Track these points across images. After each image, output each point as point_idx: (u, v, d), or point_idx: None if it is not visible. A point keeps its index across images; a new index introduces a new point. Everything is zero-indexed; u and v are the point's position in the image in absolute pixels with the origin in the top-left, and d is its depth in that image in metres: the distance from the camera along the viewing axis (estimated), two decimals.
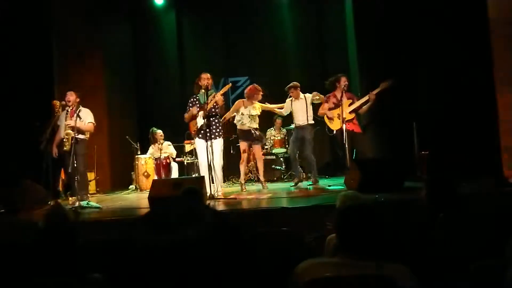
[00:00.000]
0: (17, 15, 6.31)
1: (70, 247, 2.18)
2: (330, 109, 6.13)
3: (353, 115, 5.98)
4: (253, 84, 6.22)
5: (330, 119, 6.13)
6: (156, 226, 2.11)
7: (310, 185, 6.40)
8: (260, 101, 6.34)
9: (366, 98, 5.90)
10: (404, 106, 6.26)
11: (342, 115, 5.84)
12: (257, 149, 6.46)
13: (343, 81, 6.04)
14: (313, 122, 6.45)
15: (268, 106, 6.56)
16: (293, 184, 6.50)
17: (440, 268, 1.91)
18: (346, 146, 5.71)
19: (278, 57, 8.61)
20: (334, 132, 6.10)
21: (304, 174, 7.30)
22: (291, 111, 6.56)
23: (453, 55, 5.96)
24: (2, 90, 6.16)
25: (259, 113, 6.32)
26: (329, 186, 6.04)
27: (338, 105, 6.02)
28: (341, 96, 5.99)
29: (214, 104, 5.52)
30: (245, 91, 6.27)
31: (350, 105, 5.99)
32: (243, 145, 6.32)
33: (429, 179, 2.50)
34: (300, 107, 6.45)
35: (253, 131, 6.26)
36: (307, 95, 6.46)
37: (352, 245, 1.69)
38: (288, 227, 3.46)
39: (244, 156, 6.34)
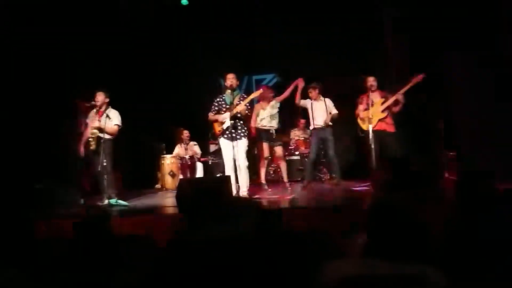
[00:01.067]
0: (42, 13, 6.44)
1: (109, 244, 2.26)
2: (364, 110, 6.02)
3: (385, 114, 5.86)
4: (262, 86, 6.16)
5: (362, 120, 6.07)
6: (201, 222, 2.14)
7: (335, 184, 6.37)
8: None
9: (395, 97, 5.81)
10: (432, 104, 6.16)
11: (373, 115, 5.78)
12: (279, 150, 6.47)
13: (368, 82, 5.97)
14: (331, 124, 6.44)
15: (283, 95, 6.47)
16: (333, 185, 6.45)
17: (472, 269, 1.89)
18: (373, 147, 5.66)
19: (306, 53, 8.25)
20: (364, 133, 6.02)
21: (328, 175, 7.29)
22: (310, 111, 6.52)
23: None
24: (29, 91, 6.31)
25: (278, 110, 6.35)
26: (355, 187, 6.00)
27: (372, 104, 5.92)
28: (367, 97, 5.94)
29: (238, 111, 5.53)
30: (257, 96, 6.10)
31: (382, 103, 5.90)
32: (264, 145, 6.35)
33: (461, 179, 2.47)
34: (320, 108, 6.45)
35: (272, 131, 6.32)
36: (328, 99, 6.48)
37: (383, 245, 1.69)
38: (313, 227, 3.47)
39: (265, 156, 6.38)
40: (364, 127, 6.03)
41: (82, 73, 7.05)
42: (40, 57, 6.36)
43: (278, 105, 6.43)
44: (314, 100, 6.48)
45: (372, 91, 5.94)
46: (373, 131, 5.71)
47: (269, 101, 6.34)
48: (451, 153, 5.99)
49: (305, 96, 6.54)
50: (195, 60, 8.83)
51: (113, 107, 5.74)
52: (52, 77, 6.56)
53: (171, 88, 8.92)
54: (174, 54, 8.87)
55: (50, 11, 6.43)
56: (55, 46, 6.57)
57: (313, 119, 6.49)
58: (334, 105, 6.48)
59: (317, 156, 6.64)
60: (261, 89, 5.84)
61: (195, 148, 8.01)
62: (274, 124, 6.37)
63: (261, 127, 6.32)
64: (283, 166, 6.64)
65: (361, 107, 6.08)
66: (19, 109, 6.04)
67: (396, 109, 5.91)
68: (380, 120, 5.81)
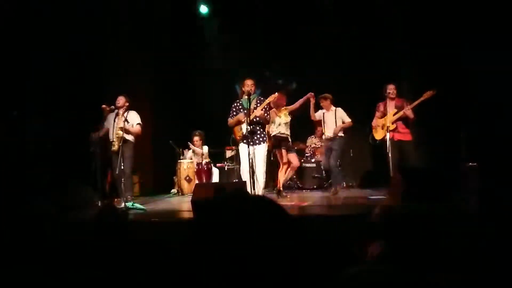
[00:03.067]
0: (68, 22, 6.62)
1: (122, 246, 2.27)
2: (380, 118, 6.04)
3: (394, 125, 5.83)
4: (276, 93, 6.13)
5: (374, 128, 6.07)
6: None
7: (333, 194, 6.37)
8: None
9: (401, 113, 5.77)
10: (452, 115, 6.07)
11: (387, 124, 5.77)
12: (293, 157, 6.47)
13: (388, 89, 5.94)
14: (342, 134, 6.45)
15: (294, 106, 6.49)
16: (331, 194, 6.45)
17: (492, 278, 1.85)
18: (390, 155, 5.61)
19: (323, 60, 8.23)
20: (377, 141, 6.01)
21: (344, 183, 7.26)
22: (321, 121, 6.61)
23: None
24: (55, 95, 6.47)
25: (289, 119, 6.42)
26: (371, 196, 5.94)
27: (385, 113, 5.94)
28: (385, 105, 5.91)
29: (256, 116, 5.54)
30: (271, 102, 6.07)
31: (394, 114, 5.88)
32: (282, 152, 6.35)
33: (482, 189, 2.43)
34: (330, 119, 6.51)
35: (289, 139, 6.33)
36: (339, 109, 6.49)
37: (400, 253, 1.67)
38: (328, 235, 3.43)
39: (284, 163, 6.37)
40: (376, 135, 6.01)
41: (112, 79, 7.23)
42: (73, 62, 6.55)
43: (290, 116, 6.48)
44: (326, 110, 6.56)
45: (391, 99, 5.90)
46: (389, 139, 5.69)
47: (281, 109, 6.33)
48: (472, 164, 5.87)
49: (318, 106, 6.60)
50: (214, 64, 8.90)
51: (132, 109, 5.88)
52: (84, 83, 6.73)
53: (190, 93, 9.00)
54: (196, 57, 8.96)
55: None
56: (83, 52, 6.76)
57: (324, 129, 6.63)
58: (351, 114, 6.48)
59: (328, 165, 6.69)
60: (276, 93, 5.83)
61: (204, 150, 8.01)
62: (288, 132, 6.42)
63: (279, 135, 6.32)
64: (292, 173, 6.66)
65: (377, 114, 6.07)
66: (51, 111, 6.21)
67: (410, 119, 5.83)
68: (391, 130, 5.77)
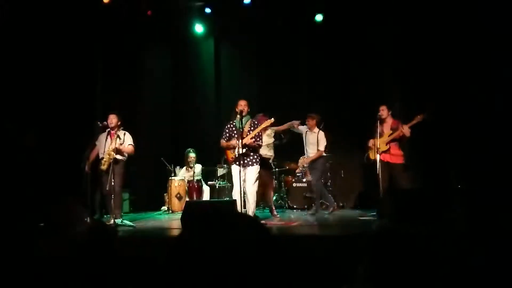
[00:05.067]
0: (61, 36, 6.69)
1: (111, 263, 2.26)
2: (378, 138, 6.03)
3: (387, 147, 5.88)
4: (272, 118, 5.99)
5: (370, 148, 6.12)
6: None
7: (311, 214, 6.38)
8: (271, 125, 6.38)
9: (399, 132, 5.81)
10: (441, 137, 6.17)
11: (376, 146, 5.83)
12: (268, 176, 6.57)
13: (380, 111, 6.01)
14: (324, 154, 6.59)
15: (280, 127, 6.62)
16: (328, 213, 6.48)
17: None
18: (380, 176, 5.65)
19: (317, 85, 8.22)
20: (371, 161, 6.05)
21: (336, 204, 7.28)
22: (304, 140, 6.71)
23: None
24: (47, 110, 6.47)
25: (273, 140, 6.55)
26: (361, 217, 5.95)
27: (381, 134, 5.96)
28: (377, 126, 5.95)
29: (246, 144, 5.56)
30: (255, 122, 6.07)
31: (390, 135, 5.92)
32: (266, 174, 6.39)
33: (471, 210, 2.47)
34: (312, 141, 6.59)
35: (270, 160, 6.44)
36: (321, 132, 6.58)
37: (386, 274, 1.68)
38: (318, 254, 3.44)
39: (269, 184, 6.44)
40: (371, 155, 6.06)
41: (108, 95, 7.29)
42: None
43: (273, 134, 6.54)
44: (309, 130, 6.63)
45: (384, 120, 5.97)
46: (380, 160, 5.74)
47: (265, 130, 6.36)
48: (464, 186, 5.94)
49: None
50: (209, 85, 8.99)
51: (125, 129, 5.90)
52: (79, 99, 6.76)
53: (182, 113, 9.06)
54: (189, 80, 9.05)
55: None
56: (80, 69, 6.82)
57: (306, 149, 6.70)
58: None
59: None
60: (272, 119, 5.86)
61: (197, 170, 8.01)
62: (272, 153, 6.50)
63: (263, 156, 6.34)
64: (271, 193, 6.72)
65: (375, 135, 6.03)
66: (44, 125, 6.21)
67: (405, 137, 5.85)
68: (382, 152, 5.82)
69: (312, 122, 6.59)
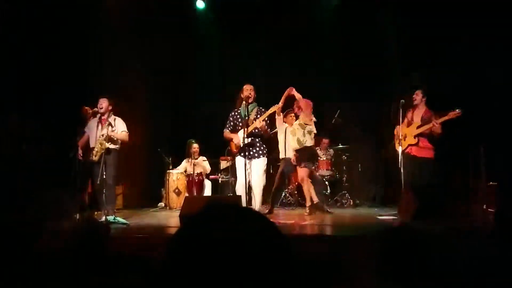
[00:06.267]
0: (55, 15, 6.76)
1: (99, 261, 2.34)
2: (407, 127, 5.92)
3: (415, 140, 5.76)
4: (280, 103, 6.04)
5: (396, 136, 5.98)
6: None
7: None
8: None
9: (430, 125, 5.65)
10: (472, 131, 6.15)
11: (406, 136, 5.77)
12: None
13: (415, 96, 5.88)
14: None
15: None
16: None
17: None
18: (402, 171, 5.66)
19: (326, 68, 8.34)
20: (397, 152, 5.89)
21: (352, 201, 7.34)
22: (283, 137, 6.60)
23: None
24: (34, 94, 6.55)
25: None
26: (380, 215, 6.00)
27: (410, 123, 5.86)
28: (412, 113, 5.88)
29: (256, 128, 5.58)
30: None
31: (418, 127, 5.80)
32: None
33: (499, 210, 2.53)
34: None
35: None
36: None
37: (402, 273, 1.74)
38: (329, 256, 3.51)
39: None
40: (397, 146, 5.96)
41: (96, 79, 7.35)
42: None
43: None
44: (290, 126, 6.54)
45: (416, 108, 5.88)
46: (404, 153, 5.72)
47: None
48: (491, 183, 5.96)
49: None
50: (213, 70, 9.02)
51: (116, 115, 5.93)
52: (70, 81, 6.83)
53: (182, 99, 9.08)
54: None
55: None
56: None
57: (285, 147, 6.56)
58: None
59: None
60: (280, 104, 5.89)
61: (204, 164, 8.08)
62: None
63: None
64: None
65: (404, 122, 5.90)
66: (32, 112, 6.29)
67: (437, 134, 5.71)
68: (410, 144, 5.80)
69: (291, 119, 6.66)
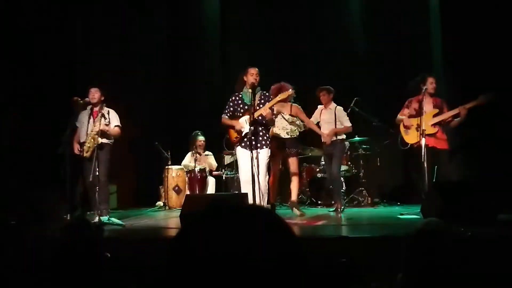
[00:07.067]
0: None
1: (91, 265, 2.29)
2: (410, 116, 5.97)
3: (435, 129, 5.79)
4: (291, 89, 5.84)
5: (407, 128, 5.98)
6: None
7: (332, 211, 6.39)
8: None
9: (455, 111, 5.70)
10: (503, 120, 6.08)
11: (422, 127, 5.71)
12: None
13: (430, 82, 5.87)
14: (343, 137, 6.49)
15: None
16: (333, 210, 6.46)
17: None
18: (425, 165, 5.58)
19: (339, 52, 8.39)
20: (408, 146, 5.96)
21: (370, 199, 7.26)
22: (318, 122, 6.57)
23: None
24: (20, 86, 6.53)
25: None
26: (401, 214, 5.92)
27: (420, 112, 5.83)
28: (420, 102, 5.87)
29: (260, 116, 5.49)
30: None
31: (435, 116, 5.82)
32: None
33: None
34: (327, 119, 6.47)
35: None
36: (339, 107, 6.47)
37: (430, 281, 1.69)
38: (346, 260, 3.43)
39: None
40: (407, 138, 5.94)
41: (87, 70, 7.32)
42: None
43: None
44: (324, 108, 6.54)
45: (429, 95, 5.87)
46: (418, 144, 5.69)
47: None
48: None
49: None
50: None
51: (109, 106, 5.90)
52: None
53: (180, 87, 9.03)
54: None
55: None
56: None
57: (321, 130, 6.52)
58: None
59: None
60: (291, 90, 5.78)
61: (210, 160, 8.02)
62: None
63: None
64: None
65: (406, 111, 6.02)
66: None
67: (454, 124, 5.82)
68: (427, 135, 5.72)
69: (327, 97, 6.51)
